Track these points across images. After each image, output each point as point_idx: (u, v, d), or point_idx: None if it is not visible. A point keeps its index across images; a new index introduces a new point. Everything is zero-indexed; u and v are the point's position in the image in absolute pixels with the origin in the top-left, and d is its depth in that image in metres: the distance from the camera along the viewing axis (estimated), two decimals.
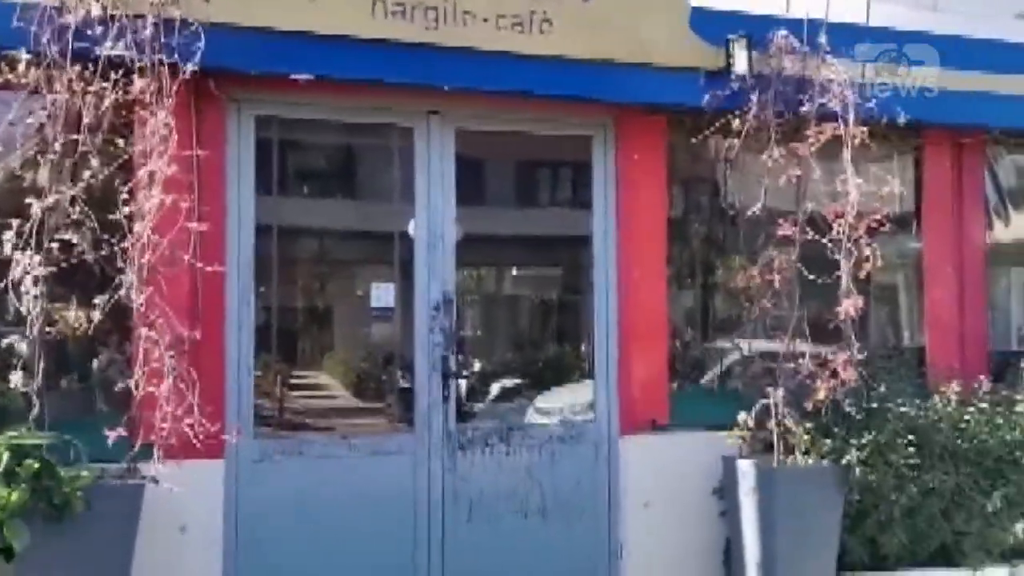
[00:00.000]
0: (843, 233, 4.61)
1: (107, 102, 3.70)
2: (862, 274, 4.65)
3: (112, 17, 3.77)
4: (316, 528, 4.44)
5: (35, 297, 3.59)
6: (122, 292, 3.67)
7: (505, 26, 4.49)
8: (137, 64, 3.74)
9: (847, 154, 4.67)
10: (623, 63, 4.70)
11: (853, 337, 4.61)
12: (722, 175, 5.45)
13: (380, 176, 5.31)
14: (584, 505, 4.91)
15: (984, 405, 4.98)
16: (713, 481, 4.84)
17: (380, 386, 5.22)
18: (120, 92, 3.73)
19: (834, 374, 4.52)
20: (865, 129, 4.64)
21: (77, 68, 3.69)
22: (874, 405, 4.72)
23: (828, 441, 4.55)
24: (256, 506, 4.37)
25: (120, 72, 3.75)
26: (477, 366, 5.30)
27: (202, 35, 3.80)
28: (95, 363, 4.28)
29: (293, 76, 4.21)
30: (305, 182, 5.36)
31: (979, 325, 5.69)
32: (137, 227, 3.69)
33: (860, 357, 4.58)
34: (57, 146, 3.67)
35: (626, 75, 4.72)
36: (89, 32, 3.74)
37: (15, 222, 3.62)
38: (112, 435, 3.57)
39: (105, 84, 3.71)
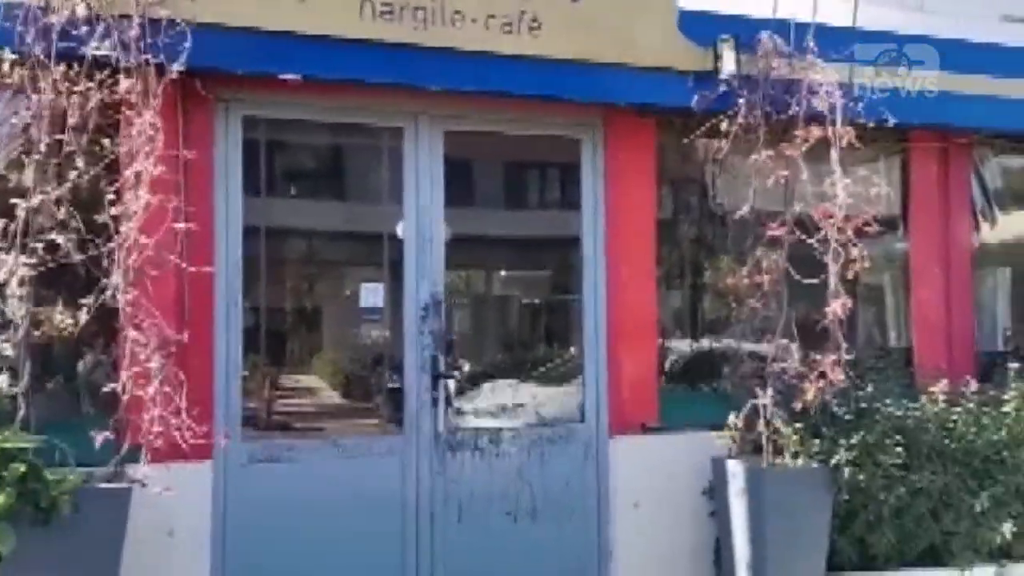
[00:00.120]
0: (831, 234, 4.62)
1: (93, 102, 3.68)
2: (850, 275, 4.65)
3: (98, 17, 3.75)
4: (305, 530, 4.42)
5: (20, 299, 3.56)
6: (108, 294, 3.65)
7: (494, 27, 4.49)
8: (123, 64, 3.73)
9: (835, 155, 4.70)
10: (612, 64, 4.71)
11: (841, 338, 4.63)
12: (711, 176, 5.45)
13: (369, 177, 5.29)
14: (574, 506, 4.91)
15: (971, 405, 5.00)
16: (703, 482, 4.85)
17: (369, 387, 5.19)
18: (106, 92, 3.71)
19: (822, 375, 4.53)
20: (851, 130, 4.66)
21: (62, 68, 3.67)
22: (862, 406, 4.74)
23: (817, 442, 4.57)
24: (244, 508, 4.35)
25: (106, 72, 3.73)
26: (467, 367, 5.28)
27: (189, 35, 3.79)
28: (81, 365, 4.25)
29: (281, 76, 4.19)
30: (293, 183, 5.33)
31: (966, 326, 5.73)
32: (124, 228, 3.67)
33: (848, 358, 4.59)
34: (42, 146, 3.64)
35: (615, 76, 4.73)
36: (74, 32, 3.72)
37: (0, 223, 3.59)
38: (99, 438, 3.55)
39: (91, 84, 3.69)
